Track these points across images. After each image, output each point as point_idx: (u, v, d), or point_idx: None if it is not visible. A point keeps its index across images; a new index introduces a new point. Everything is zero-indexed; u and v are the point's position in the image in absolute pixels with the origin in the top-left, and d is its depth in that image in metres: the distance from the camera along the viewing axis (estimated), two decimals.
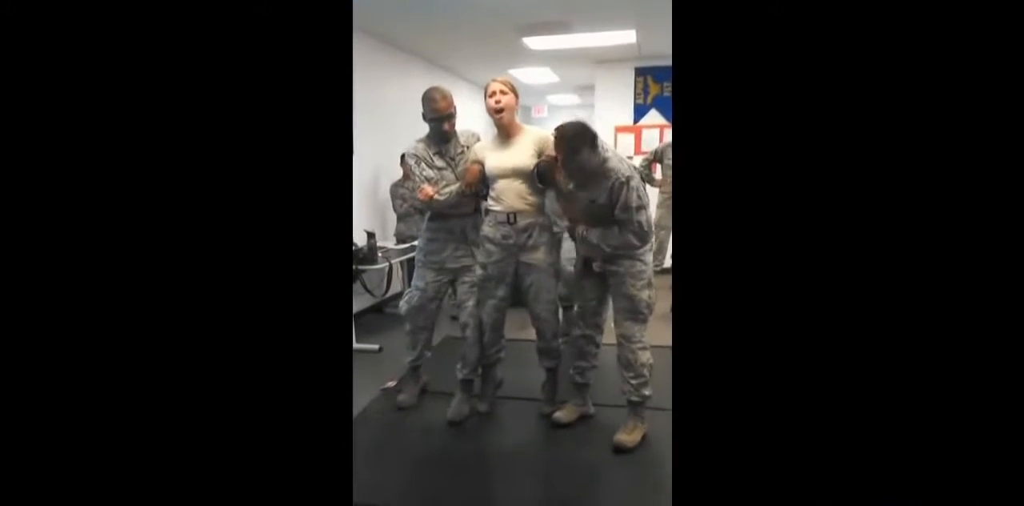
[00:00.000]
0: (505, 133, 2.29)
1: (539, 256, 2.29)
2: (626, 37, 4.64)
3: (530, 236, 2.27)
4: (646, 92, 5.90)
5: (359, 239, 3.85)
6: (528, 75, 6.35)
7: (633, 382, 2.22)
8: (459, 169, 2.39)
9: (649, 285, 2.20)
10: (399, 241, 4.46)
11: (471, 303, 2.45)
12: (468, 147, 2.42)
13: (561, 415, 2.42)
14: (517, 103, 2.29)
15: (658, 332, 2.52)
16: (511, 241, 2.27)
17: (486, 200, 2.37)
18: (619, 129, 5.96)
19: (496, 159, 2.27)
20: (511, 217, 2.25)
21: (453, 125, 2.41)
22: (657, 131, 5.80)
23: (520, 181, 2.24)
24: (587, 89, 6.77)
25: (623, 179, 2.02)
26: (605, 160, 2.04)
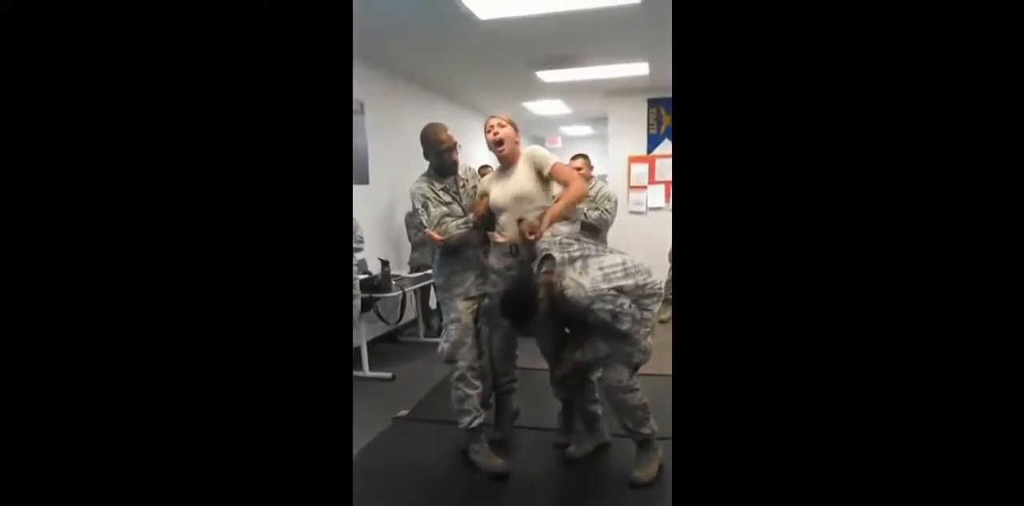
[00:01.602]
0: (507, 163, 2.33)
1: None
2: (638, 69, 4.72)
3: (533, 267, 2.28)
4: (659, 122, 5.96)
5: (373, 267, 3.88)
6: (542, 107, 6.46)
7: (630, 424, 2.17)
8: (465, 202, 2.42)
9: (649, 332, 2.13)
10: (413, 269, 4.49)
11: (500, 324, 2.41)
12: (468, 179, 2.46)
13: (574, 450, 2.40)
14: (517, 135, 2.34)
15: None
16: (514, 272, 2.27)
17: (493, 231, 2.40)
18: (632, 159, 6.00)
19: (499, 189, 2.31)
20: (513, 249, 2.27)
21: (457, 156, 2.44)
22: (671, 161, 5.83)
23: (520, 208, 2.24)
24: (600, 120, 6.86)
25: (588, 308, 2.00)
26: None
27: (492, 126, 2.34)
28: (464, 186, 2.45)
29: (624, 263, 2.07)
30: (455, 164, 2.44)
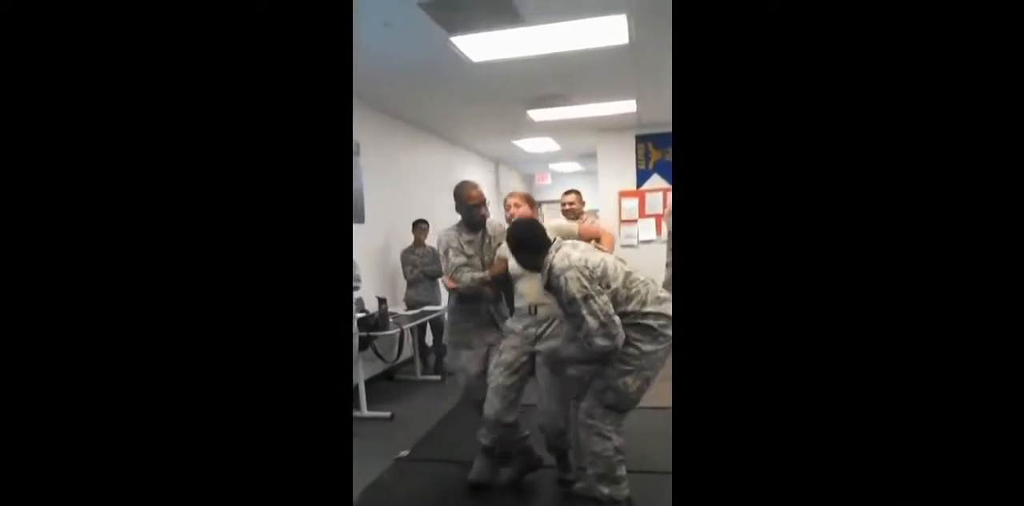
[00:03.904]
0: None
1: (555, 344, 2.31)
2: (627, 107, 4.85)
3: (549, 326, 2.34)
4: (647, 158, 6.08)
5: (370, 305, 3.87)
6: (532, 145, 6.59)
7: (590, 471, 2.09)
8: (487, 257, 2.57)
9: (631, 373, 2.01)
10: (409, 306, 4.49)
11: (497, 381, 2.40)
12: (495, 236, 2.59)
13: (582, 487, 2.30)
14: (534, 211, 2.55)
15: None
16: (531, 330, 2.36)
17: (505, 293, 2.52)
18: (623, 193, 6.10)
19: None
20: (532, 309, 2.36)
21: (485, 211, 2.61)
22: (660, 195, 5.93)
23: (537, 279, 2.28)
24: (589, 157, 6.99)
25: (557, 272, 1.99)
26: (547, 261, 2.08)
27: (510, 205, 2.58)
28: (489, 243, 2.60)
29: (638, 281, 2.07)
30: (483, 219, 2.60)
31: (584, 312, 1.93)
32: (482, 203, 2.58)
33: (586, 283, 1.95)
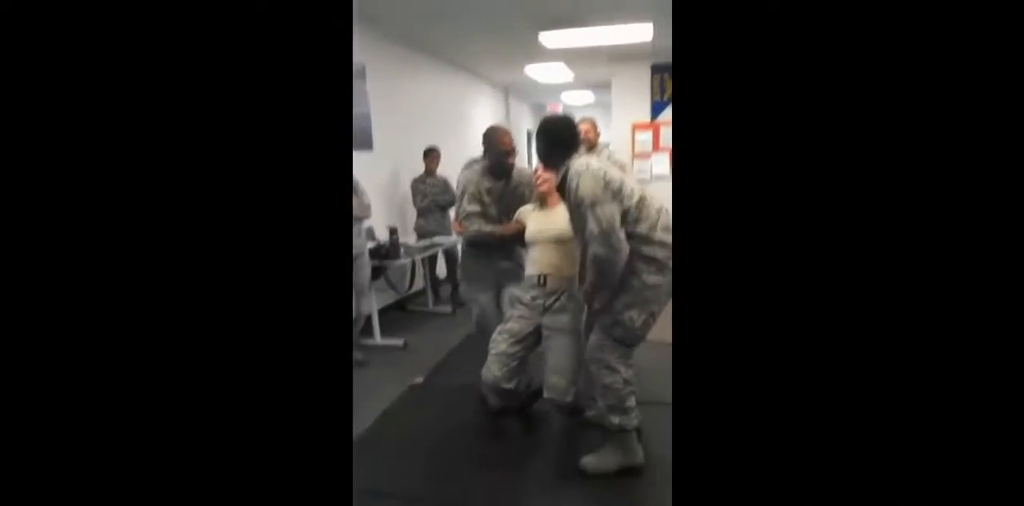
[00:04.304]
0: (546, 202, 2.38)
1: (562, 319, 2.26)
2: (642, 32, 4.60)
3: (557, 299, 2.28)
4: (663, 89, 5.86)
5: (381, 235, 3.85)
6: (543, 72, 6.32)
7: (600, 403, 2.09)
8: (506, 206, 2.53)
9: (636, 306, 1.97)
10: (420, 236, 4.46)
11: (499, 348, 2.33)
12: (519, 185, 2.54)
13: (593, 415, 2.32)
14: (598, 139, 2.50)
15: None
16: (539, 301, 2.30)
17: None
18: (637, 126, 5.93)
19: (536, 223, 2.34)
20: (541, 279, 2.29)
21: (513, 160, 2.54)
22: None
23: (555, 246, 2.27)
24: (603, 87, 6.75)
25: (572, 174, 1.93)
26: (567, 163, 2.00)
27: (587, 130, 2.60)
28: (513, 191, 2.56)
29: (651, 208, 1.99)
30: (511, 168, 2.54)
31: (589, 216, 1.87)
32: (512, 151, 2.52)
33: (598, 189, 1.88)
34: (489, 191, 2.53)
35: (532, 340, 2.32)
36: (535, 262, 2.31)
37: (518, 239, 2.42)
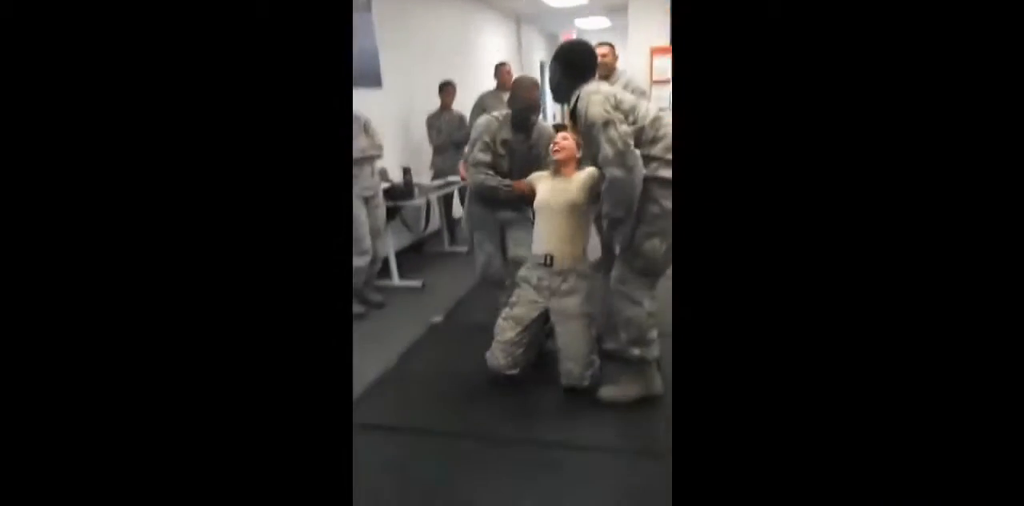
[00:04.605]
0: (560, 171, 2.26)
1: (571, 303, 2.18)
2: None
3: (565, 280, 2.19)
4: None
5: (395, 175, 3.78)
6: None
7: (623, 336, 2.08)
8: (519, 158, 2.43)
9: (656, 235, 1.91)
10: (435, 175, 4.38)
11: (505, 335, 2.26)
12: (538, 142, 2.44)
13: (616, 347, 2.30)
14: (578, 150, 2.22)
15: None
16: (545, 283, 2.21)
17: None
18: (655, 50, 5.65)
19: (547, 191, 2.22)
20: (548, 259, 2.19)
21: (536, 117, 2.45)
22: None
23: (565, 218, 2.17)
24: (619, 10, 6.40)
25: (583, 95, 1.87)
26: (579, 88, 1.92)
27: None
28: (530, 149, 2.45)
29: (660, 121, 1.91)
30: (533, 124, 2.45)
31: (602, 139, 1.81)
32: (536, 107, 2.42)
33: (609, 108, 1.81)
34: (505, 143, 2.42)
35: (538, 325, 2.27)
36: (542, 238, 2.21)
37: (526, 201, 2.35)
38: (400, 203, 3.64)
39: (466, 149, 2.47)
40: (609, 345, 2.38)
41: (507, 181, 2.39)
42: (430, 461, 1.85)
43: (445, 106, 4.34)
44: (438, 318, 3.09)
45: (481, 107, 4.15)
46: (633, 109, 1.87)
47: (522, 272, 2.29)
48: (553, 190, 2.20)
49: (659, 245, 1.93)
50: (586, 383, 2.19)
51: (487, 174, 2.39)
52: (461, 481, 1.74)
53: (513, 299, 2.29)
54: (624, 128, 1.81)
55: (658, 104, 4.94)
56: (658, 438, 1.91)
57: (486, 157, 2.40)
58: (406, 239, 4.37)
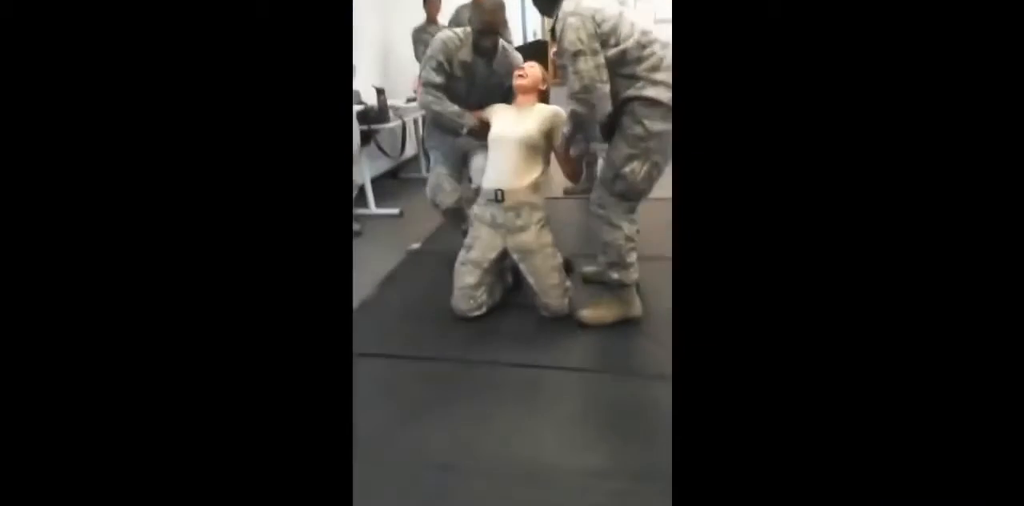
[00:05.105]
0: (522, 102, 2.15)
1: (527, 238, 2.11)
2: None
3: (518, 216, 2.10)
4: None
5: (368, 97, 3.62)
6: None
7: (602, 259, 2.06)
8: (475, 86, 2.26)
9: (638, 158, 1.87)
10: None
11: (463, 280, 2.22)
12: (500, 71, 2.25)
13: (594, 271, 2.32)
14: (544, 83, 2.17)
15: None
16: (499, 219, 2.12)
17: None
18: None
19: (503, 123, 2.11)
20: (499, 194, 2.08)
21: (496, 42, 2.22)
22: None
23: (519, 152, 2.07)
24: None
25: (562, 15, 1.77)
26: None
27: (523, 68, 2.16)
28: (491, 74, 2.26)
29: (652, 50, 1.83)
30: (494, 48, 2.22)
31: (570, 69, 1.76)
32: (495, 32, 2.19)
33: (583, 36, 1.73)
34: (464, 65, 2.23)
35: (497, 266, 2.23)
36: (494, 173, 2.12)
37: (474, 134, 2.23)
38: (374, 127, 3.50)
39: (431, 28, 2.33)
40: (588, 269, 2.38)
41: (457, 108, 2.24)
42: (409, 386, 1.87)
43: (431, 19, 4.05)
44: (416, 245, 3.06)
45: (420, 44, 3.90)
46: (615, 29, 1.77)
47: (475, 209, 2.22)
48: (509, 122, 2.11)
49: (639, 168, 1.89)
50: (565, 311, 2.19)
51: (436, 97, 2.23)
52: (439, 403, 1.76)
53: (468, 241, 2.24)
54: (594, 60, 1.75)
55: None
56: (634, 357, 1.95)
57: (438, 78, 2.22)
58: (383, 165, 4.25)
